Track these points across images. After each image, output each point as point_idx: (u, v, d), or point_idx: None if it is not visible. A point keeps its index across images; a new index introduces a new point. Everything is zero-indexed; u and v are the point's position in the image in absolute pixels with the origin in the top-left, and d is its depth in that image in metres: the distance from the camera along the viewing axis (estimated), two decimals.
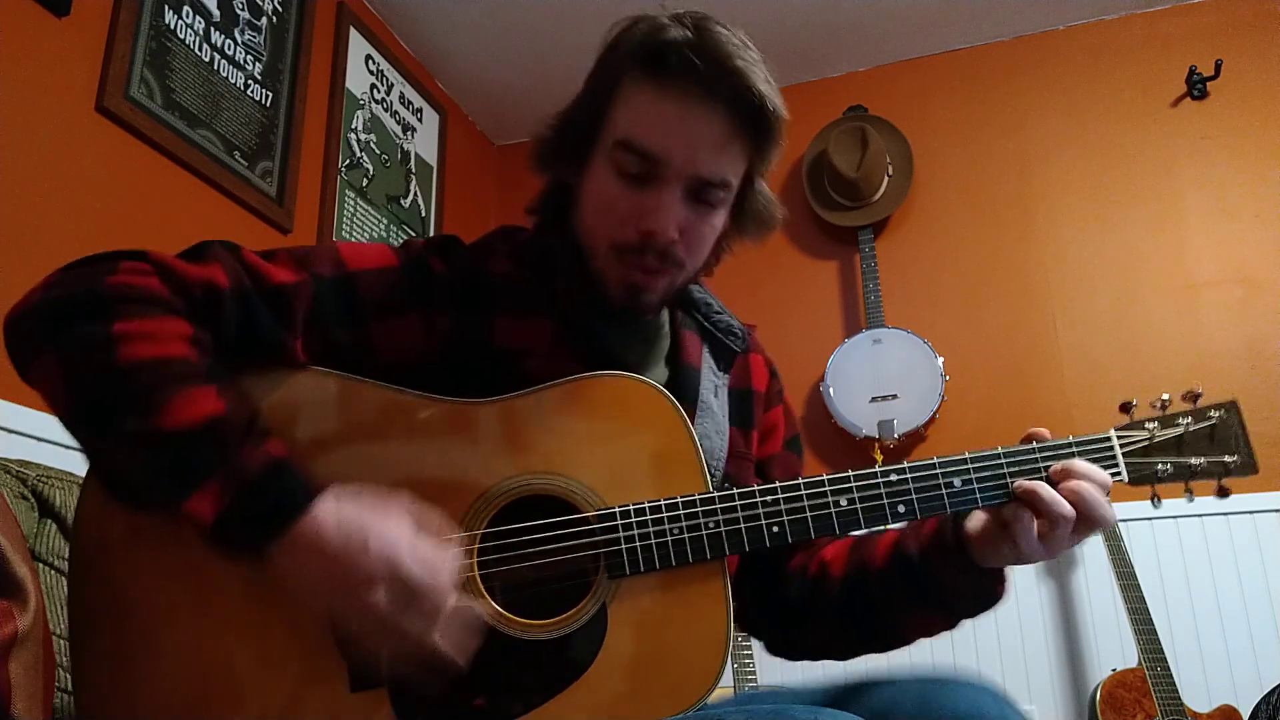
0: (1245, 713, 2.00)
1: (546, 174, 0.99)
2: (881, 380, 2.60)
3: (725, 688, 2.13)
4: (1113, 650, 2.29)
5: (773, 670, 2.16)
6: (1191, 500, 0.91)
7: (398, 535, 0.72)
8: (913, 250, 2.85)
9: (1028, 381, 2.62)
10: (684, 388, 0.96)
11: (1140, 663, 2.03)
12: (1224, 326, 2.49)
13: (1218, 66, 2.63)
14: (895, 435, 2.51)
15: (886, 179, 2.83)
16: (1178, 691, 1.98)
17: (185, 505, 0.70)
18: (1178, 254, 2.59)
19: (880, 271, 2.74)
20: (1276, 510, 2.29)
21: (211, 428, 0.71)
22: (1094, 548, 2.37)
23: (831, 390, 2.63)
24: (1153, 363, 2.51)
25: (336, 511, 0.72)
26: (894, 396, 2.58)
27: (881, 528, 0.89)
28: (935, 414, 2.53)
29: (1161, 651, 2.02)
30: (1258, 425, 2.52)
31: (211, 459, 0.71)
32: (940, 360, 2.58)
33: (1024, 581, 2.42)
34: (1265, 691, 1.94)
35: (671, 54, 0.85)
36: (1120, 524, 2.19)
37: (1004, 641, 2.38)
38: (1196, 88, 2.65)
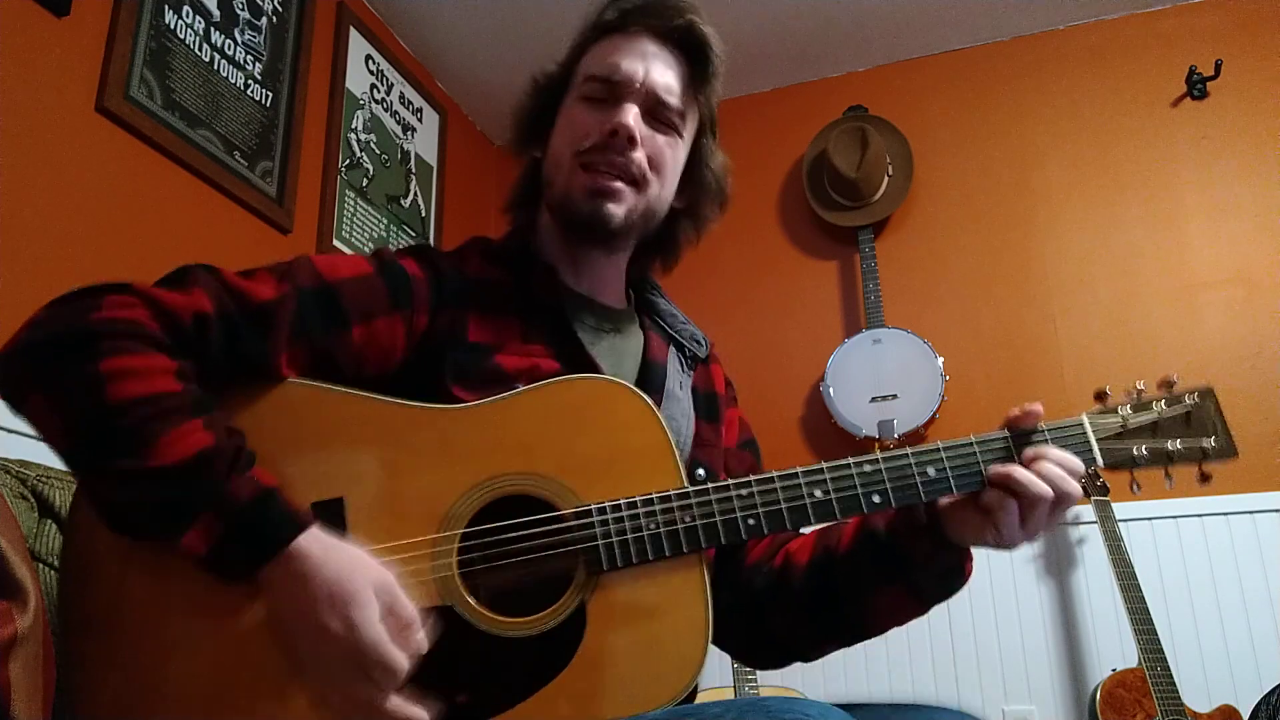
0: (1245, 713, 2.00)
1: (522, 153, 1.09)
2: (881, 380, 2.61)
3: (725, 686, 2.13)
4: (1113, 650, 2.29)
5: (773, 673, 2.15)
6: (1171, 485, 0.91)
7: (367, 602, 0.72)
8: (913, 250, 2.85)
9: (1028, 381, 2.62)
10: (650, 380, 1.00)
11: (1140, 663, 2.03)
12: (1224, 326, 2.49)
13: (1218, 66, 2.63)
14: (895, 435, 2.51)
15: (886, 179, 2.83)
16: (1178, 691, 1.98)
17: (179, 541, 0.72)
18: (1178, 254, 2.59)
19: (880, 271, 2.74)
20: (1276, 510, 2.29)
21: (199, 464, 0.72)
22: (1094, 548, 2.38)
23: (831, 390, 2.63)
24: (1152, 362, 2.51)
25: (320, 552, 0.74)
26: (894, 396, 2.58)
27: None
28: (935, 414, 2.53)
29: (1161, 651, 2.02)
30: (1258, 425, 2.53)
31: (201, 495, 0.72)
32: (940, 360, 2.58)
33: (1024, 581, 2.42)
34: (1265, 691, 1.94)
35: (628, 11, 1.01)
36: (1120, 524, 2.19)
37: (1004, 641, 2.38)
38: (1196, 88, 2.65)
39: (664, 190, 1.02)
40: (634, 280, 1.12)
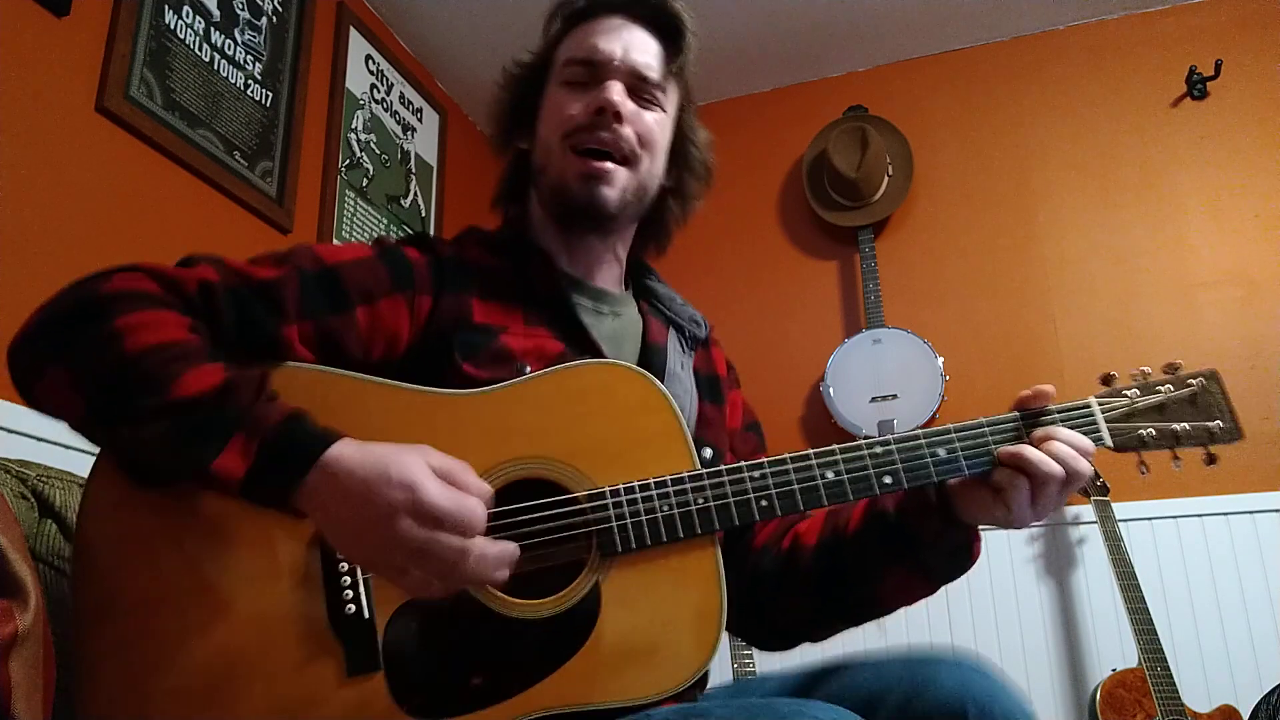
0: (1245, 713, 2.00)
1: (506, 146, 1.10)
2: (881, 380, 2.61)
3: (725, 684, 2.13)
4: (1113, 650, 2.29)
5: (772, 664, 2.15)
6: (1179, 467, 0.91)
7: (419, 464, 0.72)
8: (913, 250, 2.85)
9: (1027, 381, 2.58)
10: (651, 362, 1.01)
11: (1140, 663, 2.03)
12: (1224, 326, 2.49)
13: (1218, 66, 2.63)
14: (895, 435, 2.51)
15: (886, 179, 2.83)
16: (1178, 691, 1.98)
17: (214, 465, 0.71)
18: (1178, 254, 2.59)
19: (880, 271, 2.74)
20: (1276, 510, 2.29)
21: (226, 390, 0.73)
22: (1094, 547, 2.38)
23: (831, 390, 2.63)
24: (1153, 362, 2.49)
25: (358, 450, 0.73)
26: (894, 396, 2.58)
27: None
28: (935, 414, 2.53)
29: (1161, 651, 2.02)
30: (1258, 425, 2.53)
31: (231, 417, 0.72)
32: (940, 360, 2.58)
33: (1024, 581, 2.42)
34: (1265, 691, 1.95)
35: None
36: (1120, 524, 2.19)
37: (1004, 641, 2.38)
38: (1196, 88, 2.65)
39: (654, 166, 1.03)
40: (630, 266, 1.13)
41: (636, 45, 1.01)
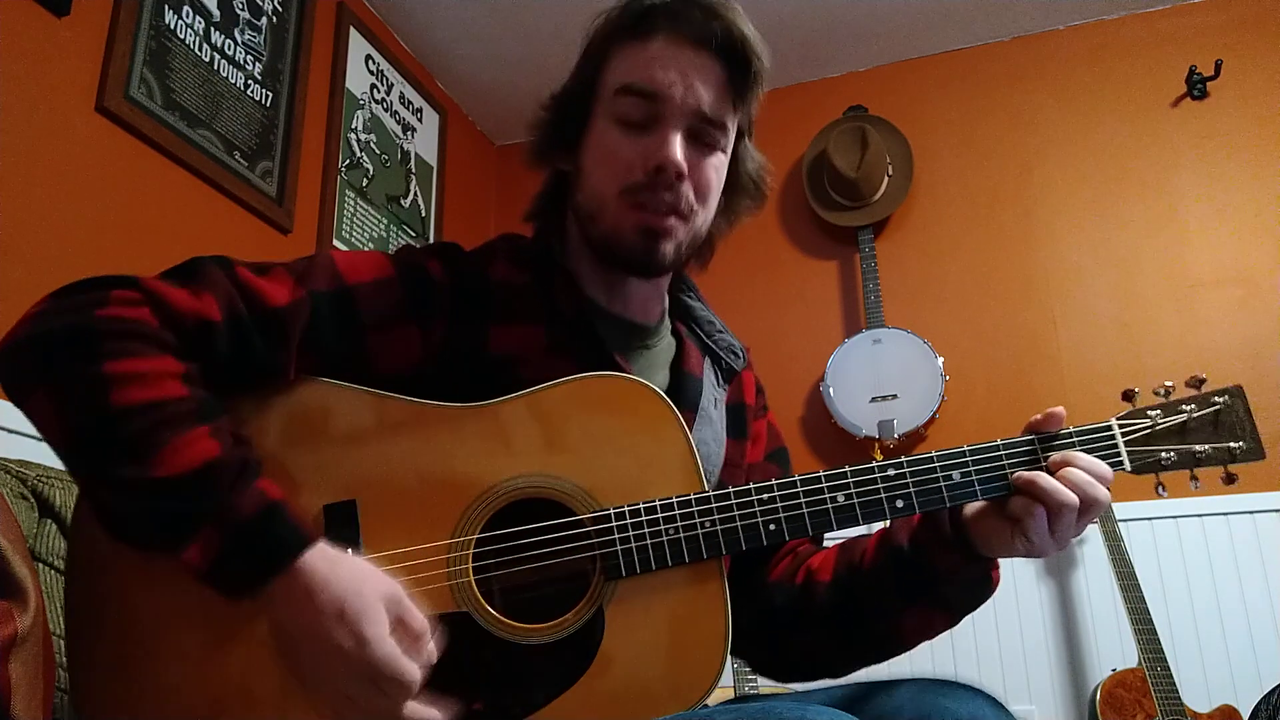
0: (1245, 713, 2.00)
1: (543, 164, 1.02)
2: (881, 380, 2.61)
3: (725, 687, 2.13)
4: (1113, 650, 2.29)
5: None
6: (1197, 486, 0.90)
7: (375, 611, 0.71)
8: (913, 250, 2.85)
9: (1028, 381, 2.62)
10: (685, 395, 0.96)
11: (1140, 663, 2.03)
12: (1224, 326, 2.49)
13: (1218, 66, 2.63)
14: (895, 435, 2.51)
15: (886, 179, 2.83)
16: (1178, 691, 1.98)
17: (180, 554, 0.71)
18: (1178, 254, 2.59)
19: (880, 271, 2.74)
20: (1276, 510, 2.29)
21: (204, 474, 0.71)
22: (1094, 548, 2.38)
23: (831, 390, 2.63)
24: (1152, 362, 2.51)
25: (323, 569, 0.72)
26: (894, 396, 2.58)
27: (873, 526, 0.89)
28: (935, 414, 2.53)
29: (1161, 651, 2.02)
30: (1258, 425, 2.52)
31: (204, 508, 0.70)
32: (940, 360, 2.58)
33: (1024, 581, 2.42)
34: (1265, 691, 1.94)
35: (657, 12, 0.91)
36: (1120, 524, 2.19)
37: (1004, 641, 2.38)
38: (1196, 88, 2.65)
39: (708, 215, 0.96)
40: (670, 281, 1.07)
41: (699, 81, 0.90)
